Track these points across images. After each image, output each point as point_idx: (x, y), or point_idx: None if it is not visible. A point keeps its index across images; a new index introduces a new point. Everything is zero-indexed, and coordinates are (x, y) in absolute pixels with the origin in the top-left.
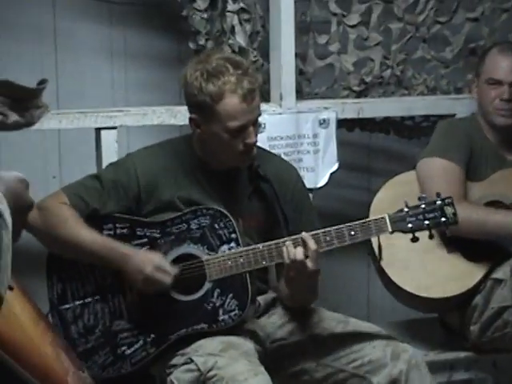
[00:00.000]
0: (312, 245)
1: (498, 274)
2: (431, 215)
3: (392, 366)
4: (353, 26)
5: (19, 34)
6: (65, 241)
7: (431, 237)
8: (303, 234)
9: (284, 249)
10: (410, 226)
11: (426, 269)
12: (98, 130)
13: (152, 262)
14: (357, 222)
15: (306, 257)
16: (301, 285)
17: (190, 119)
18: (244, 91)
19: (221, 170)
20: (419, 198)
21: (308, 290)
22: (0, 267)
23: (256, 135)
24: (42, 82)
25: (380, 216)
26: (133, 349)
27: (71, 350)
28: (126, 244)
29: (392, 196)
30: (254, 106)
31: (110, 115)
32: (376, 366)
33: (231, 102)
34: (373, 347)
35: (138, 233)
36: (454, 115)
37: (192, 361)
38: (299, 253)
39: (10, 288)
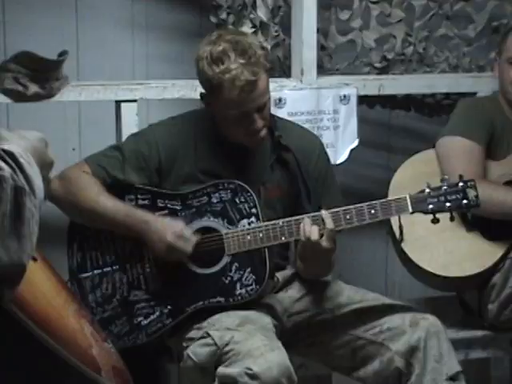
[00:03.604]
0: (329, 224)
1: None
2: (453, 197)
3: (411, 332)
4: (375, 2)
5: (40, 5)
6: (86, 208)
7: (452, 219)
8: (322, 212)
9: (301, 226)
10: (430, 207)
11: (445, 247)
12: (118, 103)
13: (173, 229)
14: (377, 201)
15: (322, 235)
16: (314, 261)
17: (201, 95)
18: (242, 83)
19: (236, 141)
20: (441, 180)
21: (321, 266)
22: (22, 234)
23: (264, 118)
24: (63, 53)
25: (401, 196)
26: (149, 319)
27: (95, 321)
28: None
29: (411, 174)
30: (255, 95)
31: (130, 88)
32: (394, 333)
33: (229, 93)
34: (392, 315)
35: (159, 204)
36: (475, 93)
37: (209, 335)
38: (314, 232)
39: (34, 259)
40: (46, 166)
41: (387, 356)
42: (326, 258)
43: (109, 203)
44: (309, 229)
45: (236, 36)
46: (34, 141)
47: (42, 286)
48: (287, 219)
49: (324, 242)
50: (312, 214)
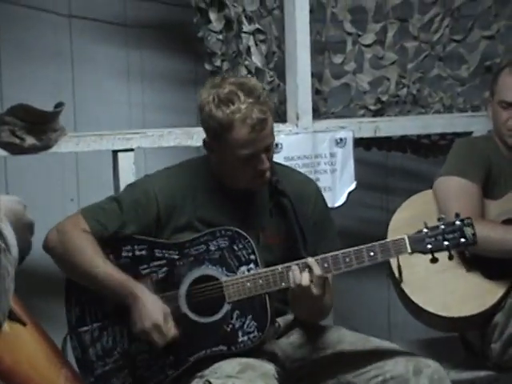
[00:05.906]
0: (317, 270)
1: None
2: (450, 236)
3: (414, 381)
4: (368, 46)
5: (36, 57)
6: (80, 270)
7: (451, 258)
8: (308, 259)
9: (290, 273)
10: (429, 246)
11: (446, 288)
12: (115, 153)
13: (155, 319)
14: (376, 243)
15: (311, 281)
16: (304, 308)
17: (204, 142)
18: (253, 121)
19: (239, 187)
20: (438, 219)
21: (312, 312)
22: None
23: (270, 160)
24: (59, 105)
25: (399, 237)
26: (151, 371)
27: None
28: (143, 269)
29: (410, 216)
30: (264, 134)
31: (126, 137)
32: (398, 381)
33: (240, 132)
34: (395, 363)
35: (157, 254)
36: (470, 133)
37: (210, 383)
38: (305, 278)
39: (23, 323)
40: (24, 227)
41: None
42: (316, 304)
43: (103, 269)
44: (298, 275)
45: (239, 78)
46: (10, 202)
47: (28, 351)
48: (286, 264)
49: (314, 289)
50: (299, 262)
